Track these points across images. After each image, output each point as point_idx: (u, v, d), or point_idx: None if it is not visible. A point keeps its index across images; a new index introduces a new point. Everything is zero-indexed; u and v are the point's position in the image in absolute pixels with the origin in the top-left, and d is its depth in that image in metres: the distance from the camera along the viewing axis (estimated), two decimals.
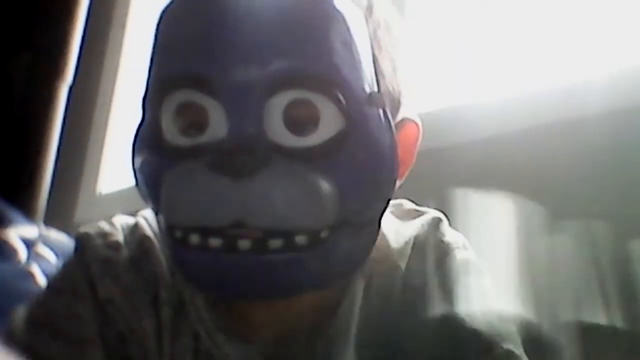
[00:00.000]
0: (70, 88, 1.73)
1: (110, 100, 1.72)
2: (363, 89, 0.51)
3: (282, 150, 0.49)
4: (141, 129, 0.54)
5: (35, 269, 1.05)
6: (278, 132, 0.49)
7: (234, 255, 0.48)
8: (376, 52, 0.53)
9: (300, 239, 0.49)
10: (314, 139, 0.49)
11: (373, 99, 0.51)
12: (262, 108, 0.49)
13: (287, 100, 0.49)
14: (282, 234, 0.48)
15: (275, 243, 0.48)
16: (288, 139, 0.49)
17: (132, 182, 0.55)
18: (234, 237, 0.48)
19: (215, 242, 0.48)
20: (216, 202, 0.48)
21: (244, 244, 0.48)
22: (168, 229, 0.51)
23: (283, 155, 0.48)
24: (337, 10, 0.50)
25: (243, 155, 0.48)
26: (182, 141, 0.51)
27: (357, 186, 0.50)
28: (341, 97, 0.49)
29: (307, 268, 0.50)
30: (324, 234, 0.50)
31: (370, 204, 0.53)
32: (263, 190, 0.47)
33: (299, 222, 0.48)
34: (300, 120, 0.49)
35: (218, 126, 0.49)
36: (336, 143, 0.49)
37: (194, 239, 0.49)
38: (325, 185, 0.48)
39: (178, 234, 0.50)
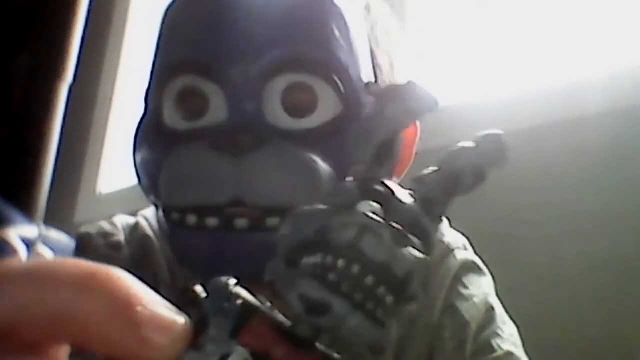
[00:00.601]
0: (70, 88, 1.73)
1: (110, 100, 1.73)
2: (360, 78, 0.52)
3: (280, 132, 0.49)
4: (143, 121, 0.54)
5: None
6: (276, 114, 0.50)
7: (232, 234, 0.48)
8: (374, 47, 0.55)
9: None
10: (311, 122, 0.50)
11: (370, 89, 0.52)
12: (262, 91, 0.50)
13: (285, 84, 0.50)
14: (279, 212, 0.48)
15: (273, 221, 0.48)
16: (286, 122, 0.49)
17: (133, 181, 0.55)
18: (231, 216, 0.48)
19: (212, 221, 0.48)
20: (214, 179, 0.48)
21: (242, 222, 0.48)
22: (166, 214, 0.51)
23: (281, 136, 0.49)
24: (335, 4, 0.52)
25: (241, 134, 0.48)
26: (183, 125, 0.51)
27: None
28: (339, 83, 0.50)
29: None
30: None
31: None
32: (261, 167, 0.48)
33: (296, 200, 0.48)
34: (298, 103, 0.50)
35: (218, 110, 0.50)
36: (333, 127, 0.50)
37: (191, 219, 0.49)
38: (323, 165, 0.49)
39: (175, 216, 0.50)
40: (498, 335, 0.55)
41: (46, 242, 1.12)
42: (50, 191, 1.66)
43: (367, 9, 0.56)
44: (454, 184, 0.31)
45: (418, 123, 0.59)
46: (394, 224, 0.28)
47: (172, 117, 0.52)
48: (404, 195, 0.30)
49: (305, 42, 0.50)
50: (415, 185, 0.31)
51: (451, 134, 1.02)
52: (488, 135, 0.31)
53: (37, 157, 1.65)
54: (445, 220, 0.63)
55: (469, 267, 0.59)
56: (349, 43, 0.51)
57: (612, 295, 0.80)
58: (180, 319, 0.22)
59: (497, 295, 0.59)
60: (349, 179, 0.30)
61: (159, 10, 0.56)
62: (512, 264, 0.83)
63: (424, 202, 0.31)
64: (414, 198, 0.31)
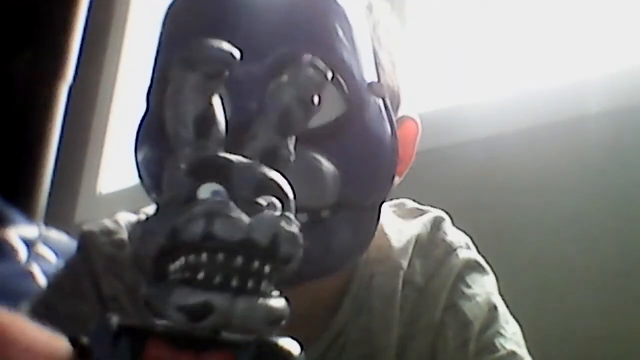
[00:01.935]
0: (70, 88, 1.73)
1: (110, 100, 1.72)
2: (363, 77, 0.52)
3: None
4: (144, 120, 0.54)
5: (35, 269, 1.05)
6: None
7: None
8: (376, 46, 0.55)
9: (301, 217, 0.48)
10: (314, 121, 0.49)
11: (373, 88, 0.52)
12: (264, 91, 0.50)
13: None
14: None
15: None
16: None
17: (133, 181, 0.55)
18: None
19: None
20: None
21: None
22: None
23: None
24: (338, 4, 0.52)
25: (244, 133, 0.48)
26: None
27: (357, 169, 0.51)
28: (342, 82, 0.50)
29: (306, 250, 0.49)
30: (324, 214, 0.50)
31: (370, 188, 0.53)
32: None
33: (299, 199, 0.48)
34: None
35: None
36: (336, 126, 0.50)
37: None
38: (326, 164, 0.49)
39: None
40: (501, 334, 0.55)
41: (46, 242, 1.12)
42: (50, 191, 1.66)
43: (369, 8, 0.56)
44: (286, 122, 0.32)
45: (419, 123, 0.60)
46: (241, 194, 0.28)
47: None
48: (243, 158, 0.30)
49: (308, 42, 0.50)
50: (250, 140, 0.31)
51: (451, 134, 1.02)
52: (297, 66, 0.31)
53: (37, 157, 1.65)
54: (447, 219, 0.63)
55: (472, 266, 0.59)
56: (352, 43, 0.52)
57: (613, 294, 0.81)
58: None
59: (500, 294, 0.59)
60: (181, 165, 0.29)
61: (159, 10, 0.56)
62: (515, 263, 0.83)
63: (266, 154, 0.31)
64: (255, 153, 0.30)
